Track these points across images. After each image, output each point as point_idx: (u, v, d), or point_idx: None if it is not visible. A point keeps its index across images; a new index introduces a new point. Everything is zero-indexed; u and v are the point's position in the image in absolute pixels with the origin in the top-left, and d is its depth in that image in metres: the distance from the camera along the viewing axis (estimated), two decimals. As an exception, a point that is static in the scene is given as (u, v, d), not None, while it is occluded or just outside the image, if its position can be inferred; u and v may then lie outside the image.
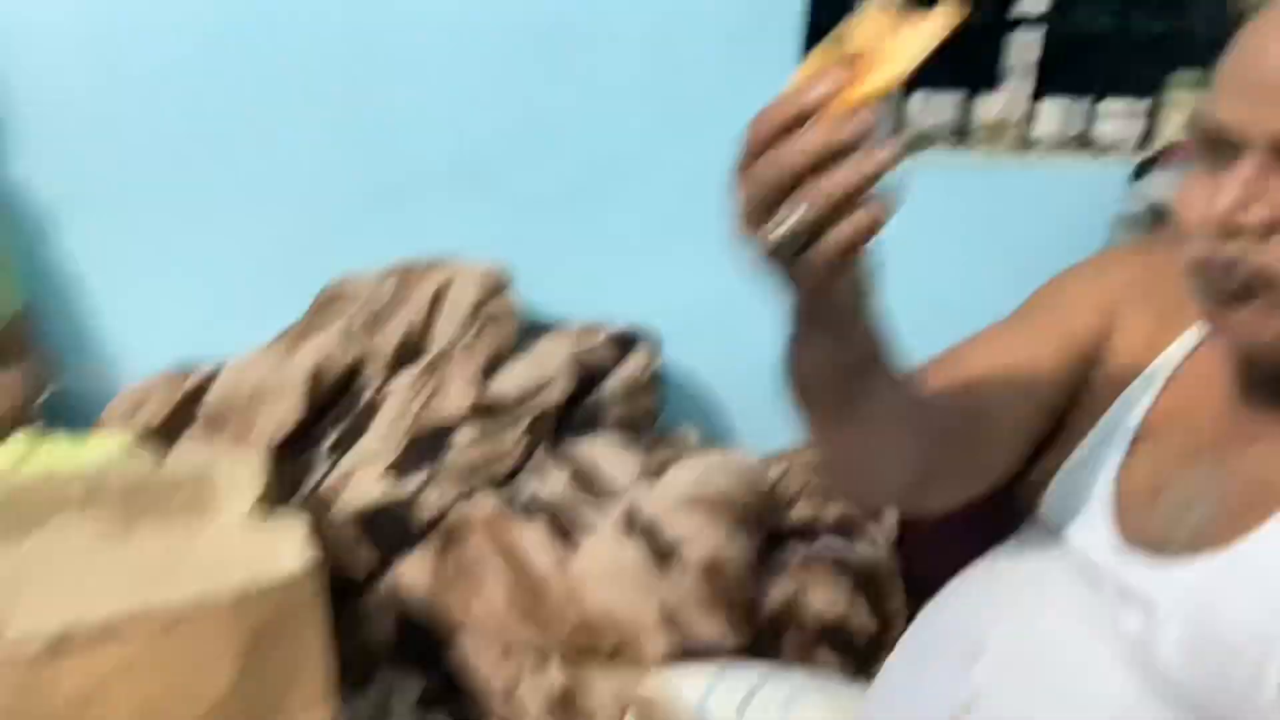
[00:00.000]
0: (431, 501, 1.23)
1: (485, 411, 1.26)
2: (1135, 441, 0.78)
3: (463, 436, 1.25)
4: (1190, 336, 0.81)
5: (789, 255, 0.57)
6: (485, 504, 1.24)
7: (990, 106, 1.78)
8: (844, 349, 0.68)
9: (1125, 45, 1.71)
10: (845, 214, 0.55)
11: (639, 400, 1.40)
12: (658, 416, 1.46)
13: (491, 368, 1.29)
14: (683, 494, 1.23)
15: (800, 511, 1.41)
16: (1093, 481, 0.79)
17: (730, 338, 1.61)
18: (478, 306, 1.32)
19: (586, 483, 1.23)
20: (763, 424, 1.65)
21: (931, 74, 1.72)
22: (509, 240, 1.51)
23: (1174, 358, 0.80)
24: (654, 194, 1.53)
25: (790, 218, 0.55)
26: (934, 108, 1.74)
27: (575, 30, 1.45)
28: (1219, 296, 0.67)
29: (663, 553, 1.18)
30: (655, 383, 1.44)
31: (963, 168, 1.65)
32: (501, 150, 1.48)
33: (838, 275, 0.59)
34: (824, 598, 1.30)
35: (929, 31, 0.54)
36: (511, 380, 1.28)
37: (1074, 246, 1.57)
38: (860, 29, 0.55)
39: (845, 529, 1.33)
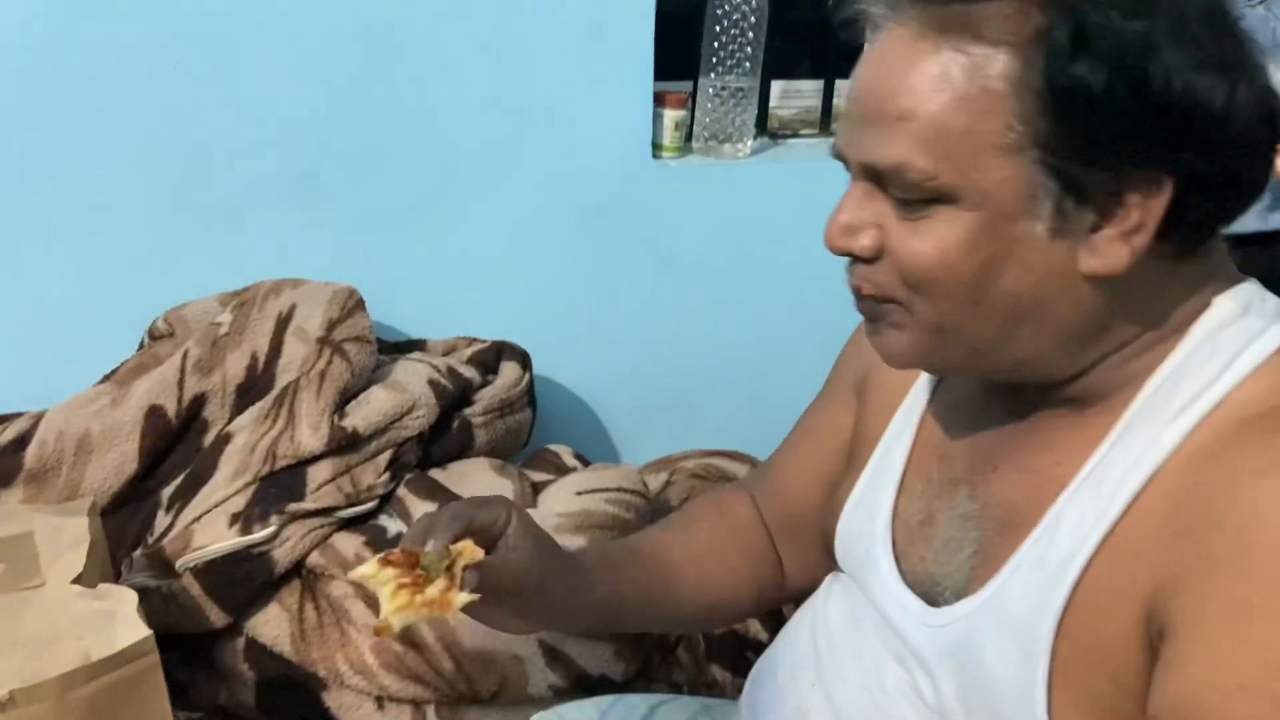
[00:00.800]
0: (287, 548, 1.13)
1: (342, 446, 1.16)
2: (903, 478, 0.77)
3: (318, 474, 1.16)
4: (930, 379, 0.80)
5: None
6: (347, 546, 1.14)
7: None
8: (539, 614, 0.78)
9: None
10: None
11: (510, 420, 1.33)
12: (530, 435, 1.39)
13: (347, 397, 1.20)
14: (561, 518, 1.17)
15: (684, 522, 1.37)
16: (872, 525, 0.78)
17: (599, 347, 1.56)
18: (328, 331, 1.22)
19: (456, 514, 1.15)
20: (641, 433, 1.61)
21: (790, 64, 1.71)
22: (356, 258, 1.41)
23: (924, 390, 0.80)
24: (507, 201, 1.46)
25: None
26: (793, 97, 1.72)
27: (411, 34, 1.36)
28: (864, 315, 0.68)
29: (542, 583, 1.11)
30: (526, 400, 1.37)
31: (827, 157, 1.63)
32: (341, 163, 1.38)
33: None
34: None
35: (441, 606, 0.63)
36: (370, 410, 1.19)
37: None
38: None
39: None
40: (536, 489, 1.24)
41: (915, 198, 0.61)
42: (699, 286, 1.56)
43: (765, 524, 0.92)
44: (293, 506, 1.13)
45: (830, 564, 0.86)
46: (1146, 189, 0.59)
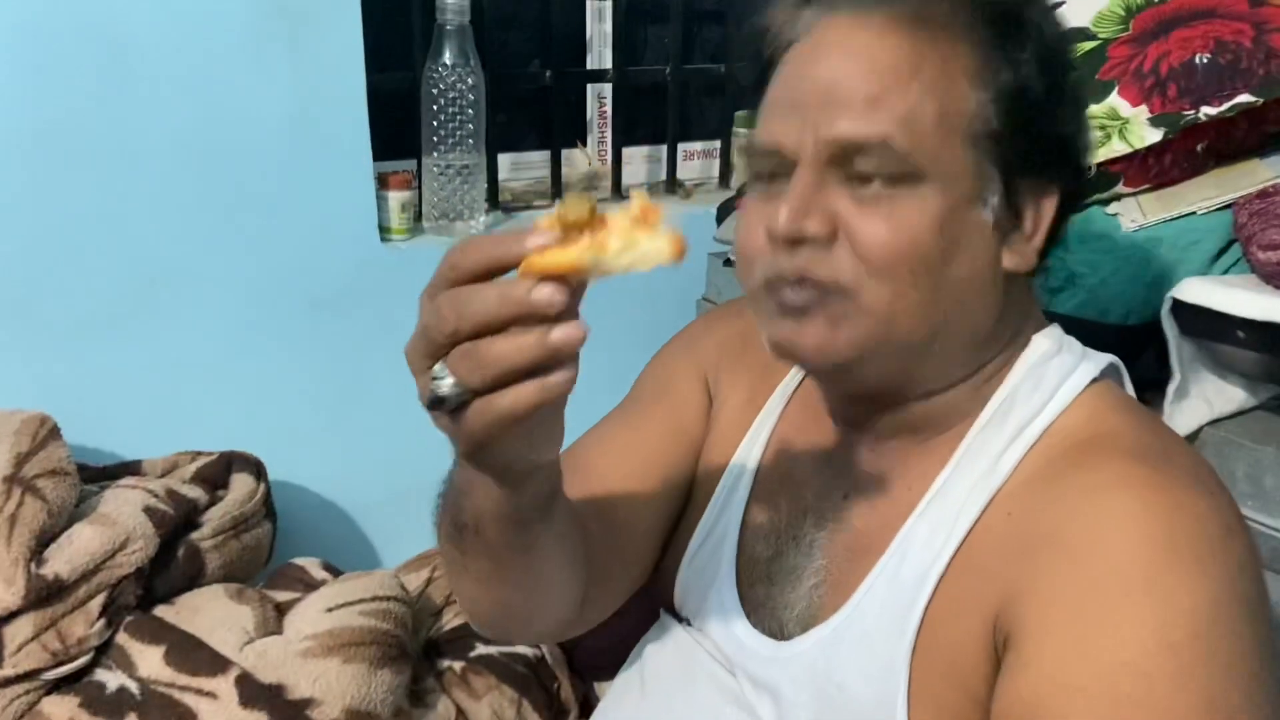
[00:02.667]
0: (-16, 726, 0.98)
1: (44, 596, 1.02)
2: (747, 513, 0.78)
3: (17, 634, 1.01)
4: (782, 391, 0.81)
5: (446, 411, 0.52)
6: (59, 710, 1.00)
7: (577, 160, 1.77)
8: (511, 498, 0.61)
9: (688, 91, 1.78)
10: (508, 384, 0.50)
11: (246, 538, 1.22)
12: (273, 551, 1.28)
13: (45, 540, 1.05)
14: (310, 640, 1.07)
15: (451, 619, 1.30)
16: (716, 564, 0.78)
17: (342, 444, 1.47)
18: (16, 467, 1.07)
19: (187, 656, 1.03)
20: (397, 528, 1.52)
21: (516, 137, 1.70)
22: (53, 377, 1.27)
23: (771, 417, 0.80)
24: (225, 299, 1.35)
25: (446, 380, 0.52)
26: (522, 169, 1.70)
27: (98, 132, 1.24)
28: (790, 313, 0.67)
29: (294, 718, 1.01)
30: (263, 513, 1.26)
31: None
32: (26, 275, 1.24)
33: (498, 437, 0.53)
34: (491, 708, 1.19)
35: (655, 253, 0.50)
36: (74, 551, 1.05)
37: (674, 286, 1.61)
38: (579, 207, 0.51)
39: (500, 631, 1.23)
40: (282, 611, 1.14)
41: (885, 174, 0.63)
42: (444, 369, 1.50)
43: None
44: (-14, 675, 0.97)
45: (631, 590, 0.82)
46: (1046, 197, 0.68)
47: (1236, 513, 0.63)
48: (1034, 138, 0.66)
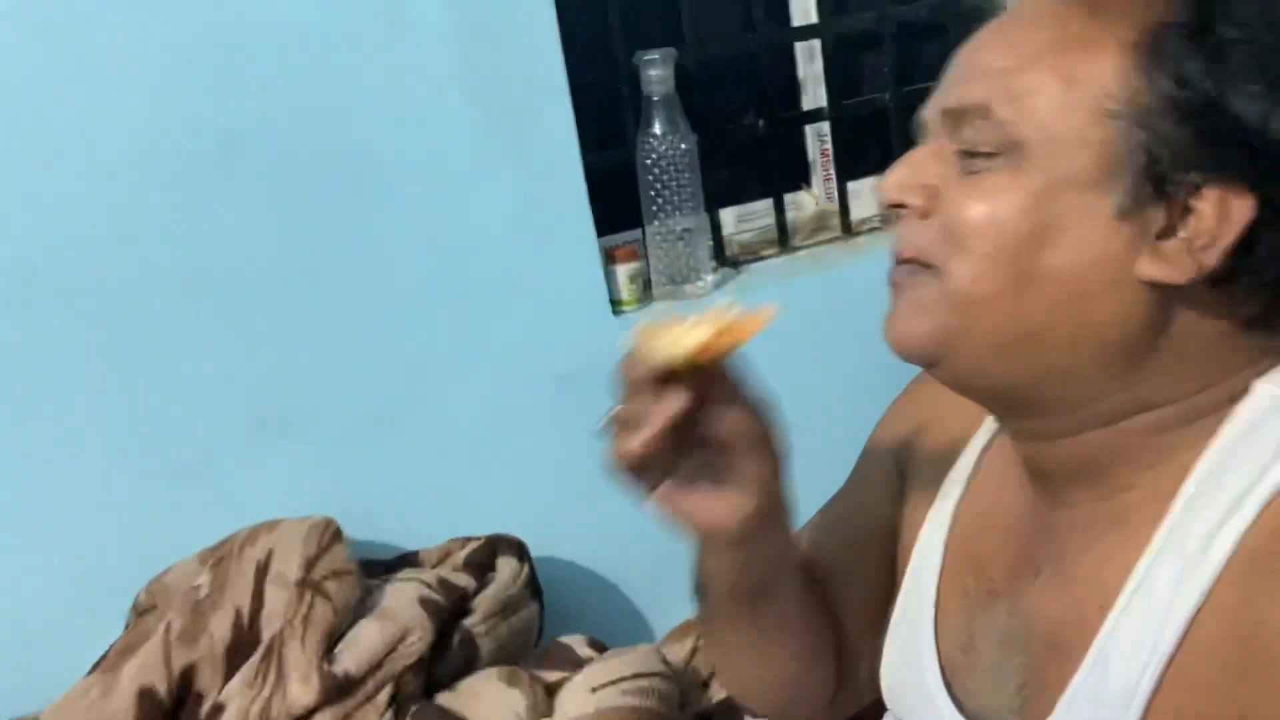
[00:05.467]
0: (296, 816, 1.06)
1: (337, 693, 1.10)
2: (939, 590, 0.70)
3: (317, 728, 1.10)
4: (973, 447, 0.73)
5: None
6: (359, 801, 1.07)
7: (804, 204, 1.74)
8: (732, 561, 0.67)
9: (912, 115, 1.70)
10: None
11: (514, 620, 1.26)
12: (541, 630, 1.32)
13: (334, 638, 1.14)
14: (579, 723, 1.09)
15: (719, 690, 1.28)
16: (917, 653, 0.70)
17: (597, 518, 1.48)
18: (306, 571, 1.18)
19: (467, 744, 1.08)
20: (659, 598, 1.53)
21: (739, 189, 1.69)
22: (332, 483, 1.37)
23: (961, 476, 0.73)
24: (475, 387, 1.42)
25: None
26: (746, 220, 1.69)
27: (351, 241, 1.35)
28: (892, 296, 0.63)
29: (567, 803, 1.03)
30: (529, 594, 1.31)
31: (792, 271, 1.59)
32: (302, 390, 1.36)
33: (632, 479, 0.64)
34: (768, 781, 1.16)
35: (755, 325, 0.59)
36: (360, 648, 1.13)
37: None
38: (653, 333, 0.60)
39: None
40: (551, 691, 1.17)
41: (984, 148, 0.58)
42: (689, 433, 1.51)
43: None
44: (291, 771, 1.06)
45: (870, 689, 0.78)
46: (1224, 202, 0.55)
47: None
48: (1204, 129, 0.54)
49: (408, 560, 1.35)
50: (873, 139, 1.72)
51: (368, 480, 1.40)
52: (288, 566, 1.18)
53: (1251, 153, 0.54)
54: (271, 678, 1.11)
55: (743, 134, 1.62)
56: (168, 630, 1.18)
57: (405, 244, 1.37)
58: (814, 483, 1.56)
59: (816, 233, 1.71)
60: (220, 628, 1.17)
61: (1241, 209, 0.54)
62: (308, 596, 1.15)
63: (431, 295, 1.40)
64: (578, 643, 1.26)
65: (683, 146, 1.45)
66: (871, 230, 1.70)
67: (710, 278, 1.53)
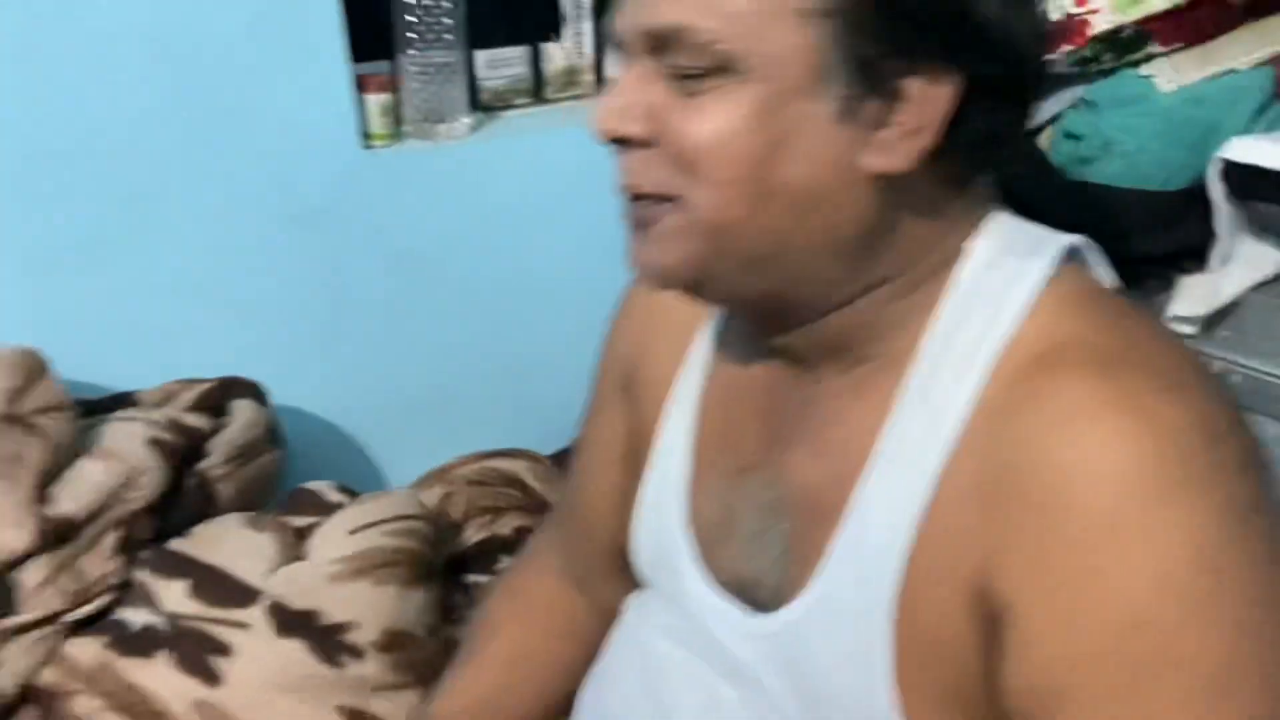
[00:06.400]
0: (6, 673, 0.94)
1: (55, 538, 0.97)
2: (695, 470, 0.71)
3: (30, 576, 0.96)
4: (706, 335, 0.74)
5: None
6: (84, 652, 0.96)
7: (558, 56, 1.69)
8: None
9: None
10: None
11: (255, 465, 1.17)
12: (281, 479, 1.24)
13: (48, 479, 1.00)
14: (338, 564, 1.04)
15: (473, 534, 1.27)
16: (669, 531, 0.71)
17: (341, 363, 1.42)
18: (9, 404, 1.01)
19: (212, 588, 1.00)
20: (406, 446, 1.48)
21: (492, 31, 1.61)
22: (30, 311, 1.20)
23: (697, 364, 0.73)
24: (204, 215, 1.28)
25: None
26: (501, 66, 1.62)
27: (62, 34, 1.15)
28: (633, 228, 0.62)
29: (330, 644, 0.99)
30: (269, 438, 1.21)
31: (548, 125, 1.55)
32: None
33: None
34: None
35: None
36: (81, 488, 1.00)
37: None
38: None
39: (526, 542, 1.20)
40: (302, 536, 1.10)
41: (696, 69, 0.55)
42: (437, 279, 1.45)
43: (578, 574, 0.85)
44: (3, 624, 0.93)
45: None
46: (931, 84, 0.55)
47: (1226, 409, 0.54)
48: (900, 15, 0.54)
49: (123, 401, 1.21)
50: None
51: (71, 312, 1.23)
52: (-14, 398, 1.02)
53: (951, 31, 0.55)
54: (-29, 522, 0.96)
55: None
56: None
57: (118, 41, 1.18)
58: (563, 335, 1.57)
59: (567, 86, 1.67)
60: (-104, 468, 0.99)
61: (947, 89, 0.55)
62: (15, 432, 1.00)
63: (149, 106, 1.23)
64: (326, 489, 1.18)
65: (446, -29, 1.35)
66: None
67: (466, 120, 1.46)
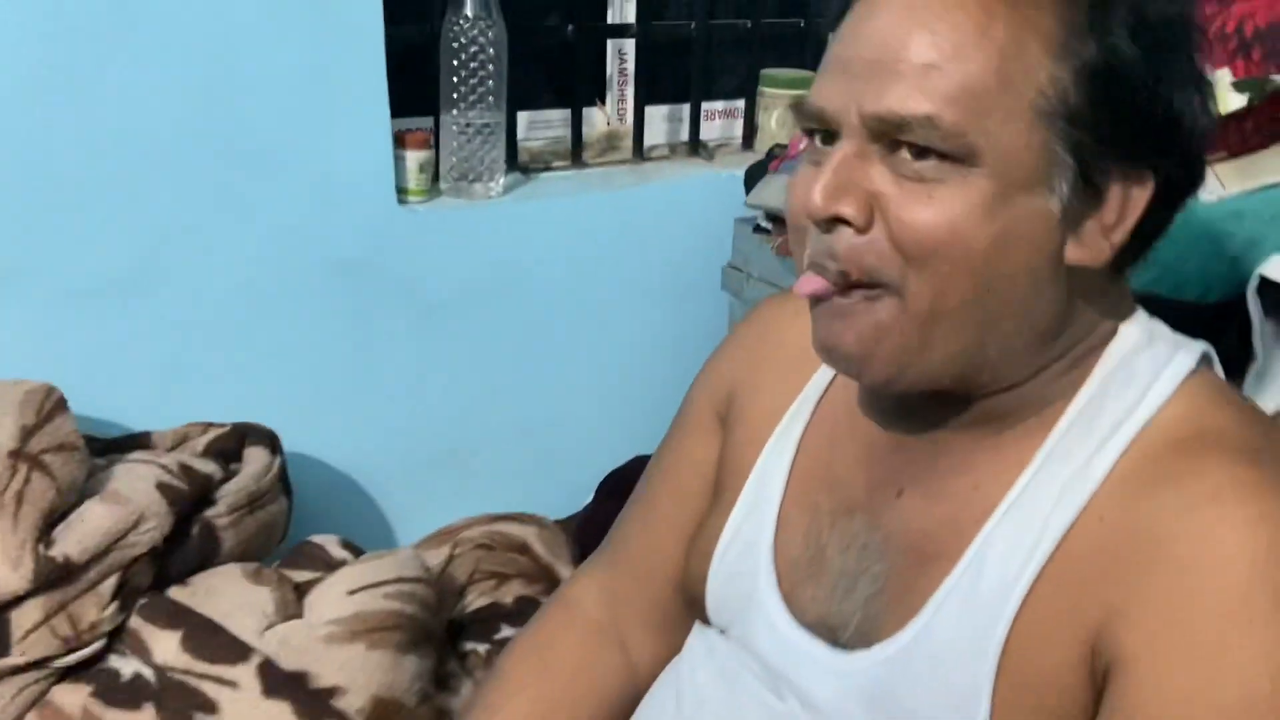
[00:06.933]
0: (-8, 715, 0.93)
1: (53, 579, 0.97)
2: (783, 509, 0.71)
3: (25, 619, 0.96)
4: (818, 381, 0.75)
5: None
6: (70, 699, 0.95)
7: (599, 120, 1.71)
8: None
9: (713, 47, 1.71)
10: None
11: (262, 514, 1.16)
12: (288, 528, 1.23)
13: (53, 519, 1.00)
14: (334, 625, 1.02)
15: (474, 600, 1.25)
16: (753, 567, 0.71)
17: (359, 416, 1.41)
18: (22, 442, 1.02)
19: (205, 642, 0.98)
20: (416, 504, 1.47)
21: (534, 93, 1.63)
22: (53, 346, 1.20)
23: (805, 409, 0.74)
24: (235, 263, 1.29)
25: None
26: (541, 127, 1.63)
27: (104, 73, 1.17)
28: (832, 310, 0.62)
29: (318, 708, 0.97)
30: (280, 488, 1.21)
31: (584, 188, 1.56)
32: (24, 235, 1.17)
33: None
34: (517, 693, 1.14)
35: None
36: (85, 530, 0.99)
37: (699, 253, 1.55)
38: None
39: (527, 613, 1.18)
40: (301, 591, 1.09)
41: (932, 155, 0.56)
42: (463, 336, 1.45)
43: (622, 622, 0.82)
44: (-7, 664, 0.92)
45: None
46: (1131, 184, 0.58)
47: None
48: (1124, 119, 0.57)
49: (137, 442, 1.21)
50: (675, 66, 1.71)
51: (95, 349, 1.24)
52: (0, 434, 1.02)
53: (1161, 138, 0.58)
54: (-30, 558, 0.96)
55: (549, 35, 1.56)
56: None
57: (167, 89, 1.20)
58: (583, 400, 1.55)
59: (606, 152, 1.68)
60: (-95, 498, 0.99)
61: (1147, 190, 0.58)
62: (23, 470, 0.99)
63: (192, 152, 1.24)
64: (330, 543, 1.18)
65: (491, 34, 1.37)
66: (662, 158, 1.69)
67: (502, 180, 1.47)
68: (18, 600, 0.96)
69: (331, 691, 0.97)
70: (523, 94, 1.55)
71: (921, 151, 0.56)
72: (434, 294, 1.42)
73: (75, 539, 0.99)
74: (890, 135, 0.57)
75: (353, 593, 1.06)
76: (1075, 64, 0.56)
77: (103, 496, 1.03)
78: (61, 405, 1.07)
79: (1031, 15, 0.56)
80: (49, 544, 0.98)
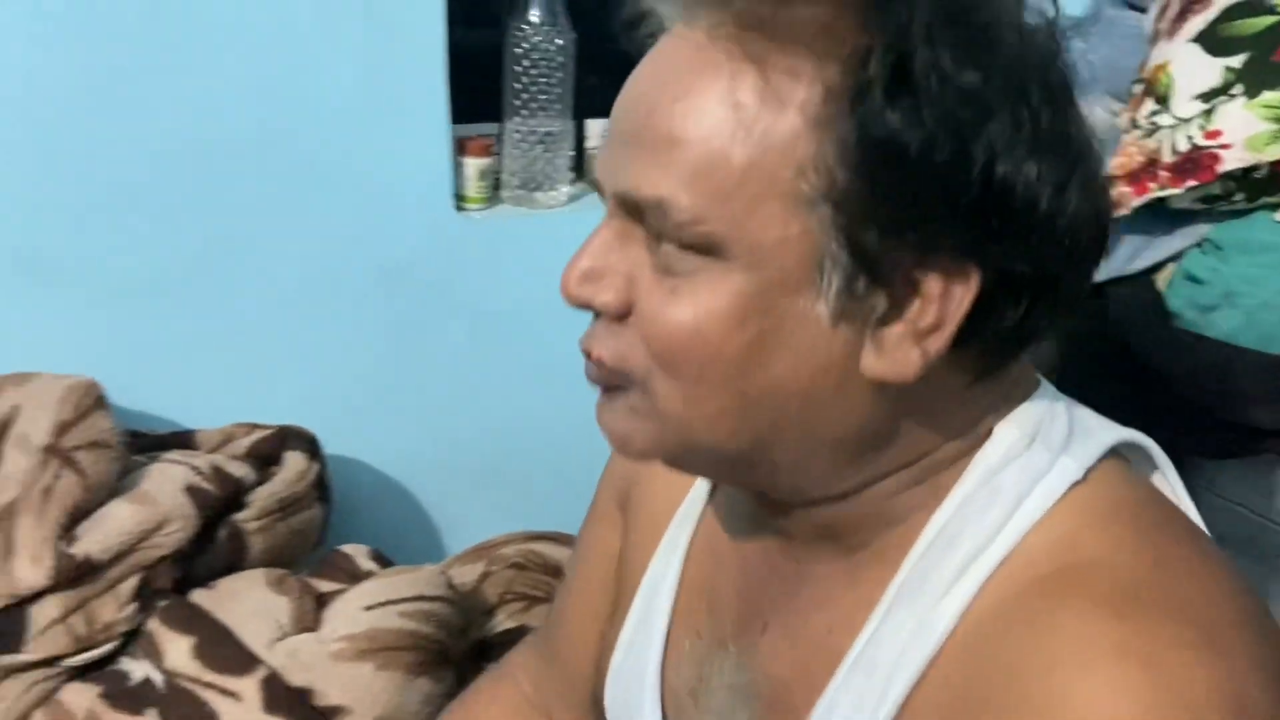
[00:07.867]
0: (3, 707, 0.93)
1: (73, 577, 0.97)
2: (671, 629, 0.64)
3: (43, 615, 0.96)
4: (702, 485, 0.66)
5: None
6: (77, 699, 0.96)
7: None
8: None
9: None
10: None
11: (294, 520, 1.15)
12: (324, 535, 1.22)
13: (78, 517, 1.00)
14: (343, 642, 1.00)
15: (503, 620, 1.22)
16: (640, 691, 0.64)
17: (404, 424, 1.40)
18: (56, 437, 1.03)
19: (215, 650, 0.98)
20: (457, 517, 1.45)
21: (607, 102, 1.59)
22: (106, 341, 1.22)
23: (695, 505, 0.65)
24: (288, 264, 1.29)
25: None
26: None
27: (158, 77, 1.18)
28: (593, 383, 0.54)
29: (319, 727, 0.95)
30: (316, 495, 1.20)
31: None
32: (80, 233, 1.19)
33: None
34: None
35: None
36: (108, 530, 1.00)
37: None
38: None
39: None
40: (323, 602, 1.07)
41: (678, 246, 0.47)
42: (513, 348, 1.42)
43: (544, 702, 0.78)
44: (6, 660, 0.93)
45: None
46: (950, 280, 0.47)
47: (1267, 674, 0.45)
48: (913, 201, 0.45)
49: (182, 440, 1.22)
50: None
51: (147, 344, 1.25)
52: (35, 429, 1.03)
53: (967, 222, 0.46)
54: (-3, 550, 0.97)
55: (620, 42, 1.51)
56: (-123, 481, 1.01)
57: (226, 93, 1.21)
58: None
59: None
60: (-58, 486, 1.02)
61: (966, 286, 0.47)
62: (53, 465, 1.01)
63: (250, 155, 1.24)
64: (360, 554, 1.16)
65: (559, 41, 1.33)
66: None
67: (566, 189, 1.43)
68: (36, 596, 0.96)
69: (334, 711, 0.95)
70: (595, 102, 1.52)
71: (667, 238, 0.48)
72: (489, 304, 1.39)
73: (98, 538, 0.99)
74: (639, 215, 0.49)
75: (369, 609, 1.04)
76: (835, 138, 0.45)
77: (130, 496, 1.04)
78: (100, 402, 1.08)
79: (784, 78, 0.45)
80: (71, 541, 0.99)
